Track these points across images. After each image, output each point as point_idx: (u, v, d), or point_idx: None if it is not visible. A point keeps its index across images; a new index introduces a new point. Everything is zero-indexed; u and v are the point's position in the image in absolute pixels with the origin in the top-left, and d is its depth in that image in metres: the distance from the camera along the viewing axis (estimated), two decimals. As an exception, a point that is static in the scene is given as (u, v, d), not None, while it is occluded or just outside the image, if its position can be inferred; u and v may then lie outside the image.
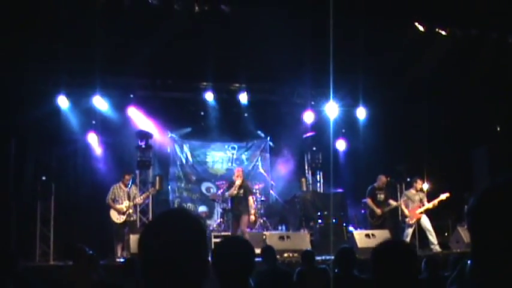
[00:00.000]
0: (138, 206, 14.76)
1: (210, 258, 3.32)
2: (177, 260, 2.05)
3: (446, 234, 16.09)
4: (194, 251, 2.10)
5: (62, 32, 13.03)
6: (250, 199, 14.55)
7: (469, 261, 4.82)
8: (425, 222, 14.63)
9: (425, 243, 14.92)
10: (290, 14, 13.36)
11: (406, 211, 14.80)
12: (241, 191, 14.23)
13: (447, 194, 14.64)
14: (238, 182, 14.27)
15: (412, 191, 14.99)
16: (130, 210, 14.05)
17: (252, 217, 14.44)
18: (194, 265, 2.08)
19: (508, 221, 1.74)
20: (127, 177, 14.34)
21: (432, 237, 14.48)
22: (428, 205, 14.71)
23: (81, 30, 12.95)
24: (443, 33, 14.67)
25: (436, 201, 14.69)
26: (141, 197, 14.39)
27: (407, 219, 14.78)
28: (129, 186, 14.32)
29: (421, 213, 14.67)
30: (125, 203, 14.00)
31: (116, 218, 13.91)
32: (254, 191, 16.29)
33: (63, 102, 15.31)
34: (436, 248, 14.27)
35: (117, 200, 14.03)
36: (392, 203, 15.02)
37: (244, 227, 13.97)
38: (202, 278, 2.13)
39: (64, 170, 15.47)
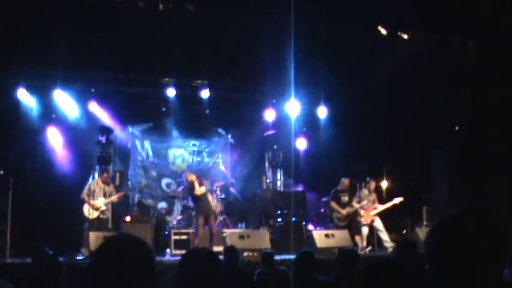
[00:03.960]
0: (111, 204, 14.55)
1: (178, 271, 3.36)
2: (128, 281, 2.11)
3: (404, 231, 16.29)
4: (144, 274, 2.17)
5: (22, 24, 12.84)
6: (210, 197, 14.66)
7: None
8: (378, 223, 14.76)
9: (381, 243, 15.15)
10: (253, 13, 13.38)
11: (361, 211, 14.87)
12: (202, 188, 14.17)
13: (401, 199, 14.85)
14: (196, 182, 14.16)
15: (365, 191, 15.07)
16: (104, 208, 13.94)
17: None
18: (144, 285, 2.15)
19: (461, 253, 1.86)
20: (105, 174, 14.26)
21: (384, 236, 14.62)
22: (381, 208, 14.87)
23: (43, 23, 12.78)
24: (405, 36, 14.86)
25: (389, 205, 14.87)
26: (117, 196, 14.26)
27: (362, 219, 14.85)
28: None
29: (375, 215, 14.80)
30: (100, 199, 13.88)
31: (89, 213, 13.78)
32: (214, 188, 16.30)
33: (23, 95, 15.12)
34: (390, 244, 14.40)
35: (92, 196, 13.88)
36: (355, 205, 14.95)
37: (214, 226, 14.02)
38: None
39: (23, 164, 15.27)
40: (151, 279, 2.20)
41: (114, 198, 14.18)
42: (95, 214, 13.80)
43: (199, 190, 13.94)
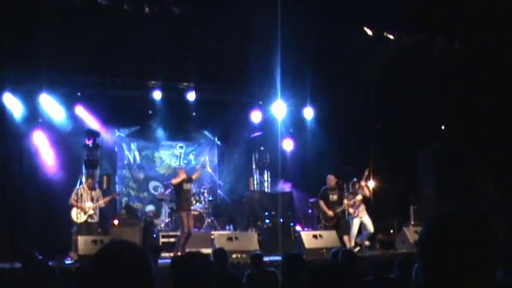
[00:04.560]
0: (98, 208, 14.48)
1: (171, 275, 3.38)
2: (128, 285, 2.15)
3: (392, 231, 16.29)
4: (143, 277, 2.21)
5: (7, 28, 12.78)
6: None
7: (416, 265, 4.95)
8: (366, 221, 14.64)
9: (373, 243, 15.14)
10: (239, 15, 13.41)
11: (349, 209, 14.72)
12: (189, 185, 14.17)
13: (366, 172, 14.75)
14: (183, 176, 14.12)
15: (357, 185, 14.88)
16: (92, 212, 13.87)
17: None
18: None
19: (455, 252, 1.88)
20: (90, 180, 14.19)
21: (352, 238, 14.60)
22: (365, 192, 14.73)
23: (28, 26, 12.74)
24: (391, 37, 14.93)
25: (364, 185, 14.72)
26: (104, 200, 14.20)
27: (351, 212, 14.65)
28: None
29: (362, 200, 14.65)
30: (88, 203, 13.83)
31: (77, 217, 13.70)
32: (202, 190, 16.27)
33: (8, 99, 15.02)
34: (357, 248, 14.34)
35: (80, 201, 13.79)
36: (346, 201, 14.67)
37: (192, 226, 13.95)
38: None
39: (9, 169, 15.20)
40: (149, 282, 2.22)
41: (102, 203, 14.11)
42: (83, 218, 13.74)
43: (175, 180, 14.04)
